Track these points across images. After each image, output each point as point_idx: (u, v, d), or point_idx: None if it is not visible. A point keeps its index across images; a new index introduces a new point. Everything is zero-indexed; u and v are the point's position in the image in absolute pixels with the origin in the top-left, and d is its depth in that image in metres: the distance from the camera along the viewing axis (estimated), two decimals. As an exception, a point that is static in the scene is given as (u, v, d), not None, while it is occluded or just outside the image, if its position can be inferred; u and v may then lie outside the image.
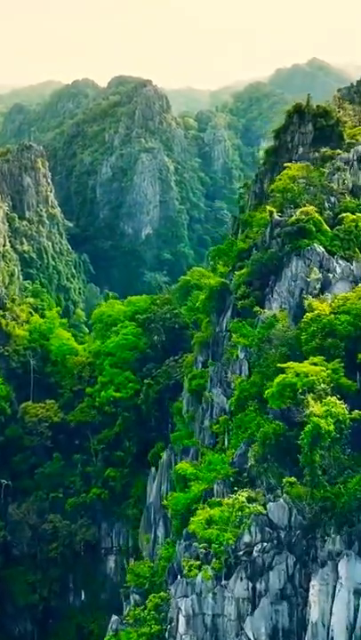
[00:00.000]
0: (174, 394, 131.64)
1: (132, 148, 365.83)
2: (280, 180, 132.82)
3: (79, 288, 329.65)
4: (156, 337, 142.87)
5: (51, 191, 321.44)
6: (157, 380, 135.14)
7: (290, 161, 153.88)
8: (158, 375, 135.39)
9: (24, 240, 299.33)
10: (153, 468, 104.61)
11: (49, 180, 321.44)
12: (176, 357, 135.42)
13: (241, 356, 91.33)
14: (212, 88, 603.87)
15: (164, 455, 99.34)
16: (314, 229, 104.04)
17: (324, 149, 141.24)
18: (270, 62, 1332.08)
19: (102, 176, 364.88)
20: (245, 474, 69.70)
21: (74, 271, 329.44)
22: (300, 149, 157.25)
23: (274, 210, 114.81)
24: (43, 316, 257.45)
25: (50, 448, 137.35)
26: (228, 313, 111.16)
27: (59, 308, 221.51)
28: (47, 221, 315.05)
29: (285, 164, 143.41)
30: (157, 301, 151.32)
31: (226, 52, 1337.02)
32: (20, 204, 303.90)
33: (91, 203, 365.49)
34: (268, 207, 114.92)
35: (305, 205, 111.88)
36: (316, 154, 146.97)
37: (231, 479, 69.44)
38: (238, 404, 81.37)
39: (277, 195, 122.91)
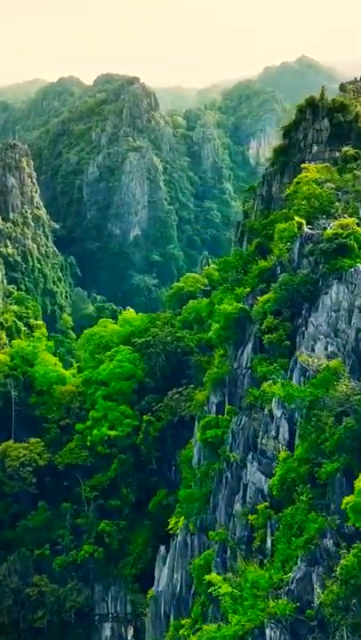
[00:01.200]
0: (179, 432, 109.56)
1: (119, 146, 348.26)
2: (300, 183, 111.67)
3: (66, 292, 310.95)
4: (155, 363, 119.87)
5: (36, 191, 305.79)
6: (159, 416, 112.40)
7: (302, 161, 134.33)
8: (160, 410, 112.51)
9: (8, 242, 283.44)
10: (162, 548, 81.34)
11: (34, 180, 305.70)
12: (180, 389, 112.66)
13: (277, 413, 68.48)
14: (199, 87, 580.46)
15: (179, 535, 76.20)
16: (356, 246, 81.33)
17: (345, 148, 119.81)
18: (258, 61, 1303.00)
19: (89, 176, 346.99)
20: (310, 610, 46.48)
21: (60, 274, 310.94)
22: (315, 148, 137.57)
23: (303, 221, 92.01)
24: (28, 325, 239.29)
25: (34, 495, 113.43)
26: (249, 346, 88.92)
27: (43, 327, 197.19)
28: (32, 223, 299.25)
29: (302, 166, 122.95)
30: (157, 322, 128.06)
31: (212, 51, 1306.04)
32: (5, 205, 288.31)
33: (77, 203, 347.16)
34: (296, 218, 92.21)
35: (341, 216, 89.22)
36: (337, 153, 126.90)
37: (289, 617, 46.12)
38: (283, 489, 58.39)
39: (302, 202, 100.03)
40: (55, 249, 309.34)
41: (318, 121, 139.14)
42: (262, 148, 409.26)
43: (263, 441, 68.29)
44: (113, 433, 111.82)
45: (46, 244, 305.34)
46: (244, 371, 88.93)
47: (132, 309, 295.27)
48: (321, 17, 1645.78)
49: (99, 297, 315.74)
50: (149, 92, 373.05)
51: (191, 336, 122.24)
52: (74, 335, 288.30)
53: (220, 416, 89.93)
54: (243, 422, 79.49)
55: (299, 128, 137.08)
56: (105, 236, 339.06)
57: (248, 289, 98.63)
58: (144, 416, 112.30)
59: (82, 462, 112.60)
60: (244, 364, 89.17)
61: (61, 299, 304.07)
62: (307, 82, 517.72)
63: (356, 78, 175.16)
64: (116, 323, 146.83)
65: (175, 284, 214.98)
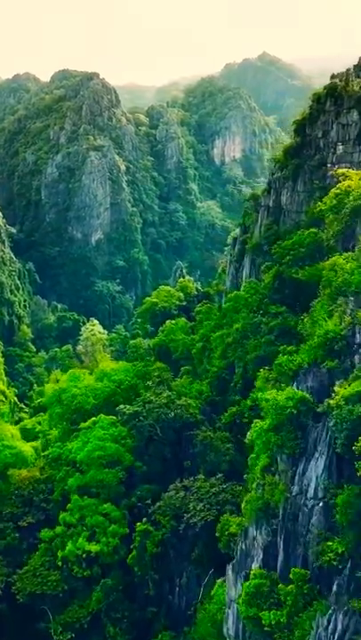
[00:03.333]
0: (185, 544, 74.08)
1: (79, 145, 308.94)
2: (340, 195, 79.60)
3: (24, 301, 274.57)
4: (148, 441, 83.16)
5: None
6: (157, 520, 75.70)
7: (323, 164, 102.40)
8: (158, 512, 75.74)
9: None
10: None
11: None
12: (184, 481, 76.54)
13: None
14: (158, 85, 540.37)
15: None
16: None
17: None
18: (214, 60, 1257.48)
19: (48, 176, 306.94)
20: None
21: (18, 282, 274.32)
22: (340, 147, 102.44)
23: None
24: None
25: (-16, 636, 76.29)
26: (320, 463, 53.63)
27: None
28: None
29: (336, 171, 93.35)
30: (149, 380, 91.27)
31: (168, 50, 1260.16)
32: None
33: (35, 206, 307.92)
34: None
35: None
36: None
37: None
38: None
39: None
40: (12, 255, 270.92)
41: (344, 114, 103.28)
42: (227, 147, 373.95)
43: None
44: (94, 548, 74.67)
45: (2, 250, 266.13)
46: (313, 502, 53.01)
47: (96, 321, 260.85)
48: (279, 15, 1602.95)
49: (60, 305, 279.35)
50: (110, 89, 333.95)
51: (186, 388, 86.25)
52: (33, 348, 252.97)
53: (273, 575, 53.95)
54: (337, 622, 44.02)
55: (316, 122, 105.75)
56: (65, 240, 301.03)
57: (300, 358, 62.84)
58: (137, 524, 75.30)
59: (50, 590, 75.11)
60: (312, 490, 53.02)
61: (19, 308, 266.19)
62: (269, 79, 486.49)
63: (348, 69, 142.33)
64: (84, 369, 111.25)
65: (148, 298, 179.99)
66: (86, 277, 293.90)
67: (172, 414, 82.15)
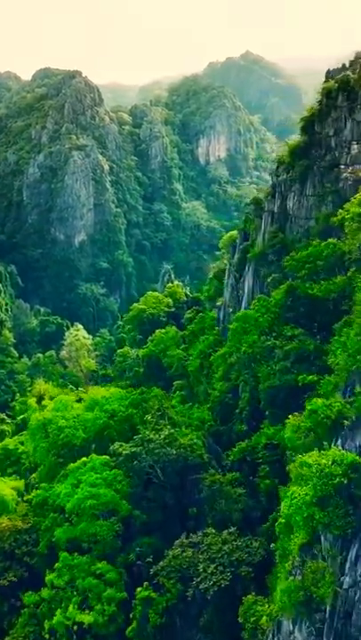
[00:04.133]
0: (194, 610, 62.19)
1: (61, 145, 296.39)
2: None
3: (6, 304, 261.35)
4: (148, 485, 70.54)
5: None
6: (160, 585, 63.28)
7: (335, 165, 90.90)
8: (162, 574, 63.18)
9: None
10: None
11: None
12: (191, 537, 64.17)
13: None
14: (140, 84, 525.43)
15: None
16: None
17: None
18: (197, 59, 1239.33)
19: (29, 177, 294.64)
20: None
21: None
22: (355, 147, 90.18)
23: None
24: None
25: None
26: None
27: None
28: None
29: (346, 173, 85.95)
30: (146, 413, 78.50)
31: (148, 49, 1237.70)
32: None
33: (17, 207, 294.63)
34: None
35: None
36: None
37: None
38: None
39: None
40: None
41: (358, 109, 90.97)
42: (212, 147, 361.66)
43: None
44: (87, 619, 62.03)
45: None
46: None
47: (80, 325, 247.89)
48: (263, 15, 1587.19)
49: (42, 309, 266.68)
50: (92, 87, 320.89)
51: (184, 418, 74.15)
52: (16, 353, 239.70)
53: None
54: None
55: (327, 119, 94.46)
56: (48, 241, 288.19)
57: (340, 404, 50.80)
58: (138, 589, 62.83)
59: (36, 668, 62.39)
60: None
61: (1, 312, 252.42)
62: (253, 77, 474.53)
63: (343, 65, 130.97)
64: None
65: (135, 304, 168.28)
66: (70, 280, 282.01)
67: (175, 453, 69.57)
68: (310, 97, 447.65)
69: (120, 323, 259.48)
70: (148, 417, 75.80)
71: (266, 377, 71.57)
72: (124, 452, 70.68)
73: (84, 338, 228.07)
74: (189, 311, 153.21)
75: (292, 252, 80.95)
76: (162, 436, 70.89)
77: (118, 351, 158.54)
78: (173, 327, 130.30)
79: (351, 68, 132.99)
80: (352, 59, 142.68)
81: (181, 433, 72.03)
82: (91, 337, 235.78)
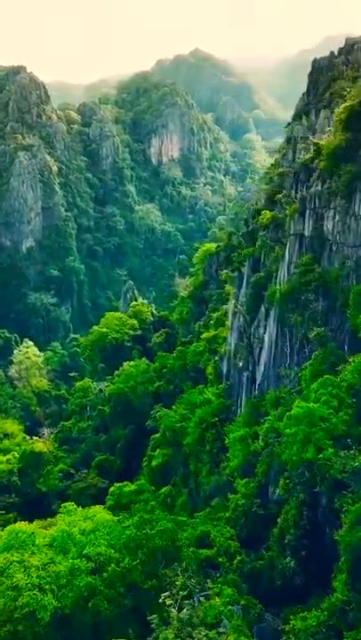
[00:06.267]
0: None
1: (6, 145, 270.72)
2: None
3: None
4: None
5: None
6: None
7: None
8: None
9: None
10: None
11: None
12: None
13: None
14: (85, 82, 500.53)
15: None
16: None
17: None
18: (143, 57, 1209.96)
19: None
20: None
21: None
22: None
23: None
24: None
25: None
26: None
27: None
28: None
29: None
30: (165, 599, 53.19)
31: (94, 47, 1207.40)
32: None
33: None
34: None
35: None
36: None
37: None
38: None
39: None
40: None
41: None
42: (165, 146, 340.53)
43: None
44: None
45: None
46: None
47: (30, 342, 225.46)
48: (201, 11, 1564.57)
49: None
50: (39, 84, 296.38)
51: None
52: None
53: None
54: None
55: None
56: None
57: None
58: None
59: None
60: None
61: None
62: (203, 75, 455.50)
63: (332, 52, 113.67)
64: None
65: (95, 327, 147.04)
66: (17, 289, 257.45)
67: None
68: (261, 96, 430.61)
69: (73, 336, 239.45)
70: (165, 597, 50.06)
71: (355, 521, 48.62)
72: None
73: (35, 355, 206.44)
74: (158, 334, 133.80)
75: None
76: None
77: (77, 384, 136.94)
78: (144, 360, 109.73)
79: (343, 56, 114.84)
80: (341, 46, 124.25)
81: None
82: (42, 355, 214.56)
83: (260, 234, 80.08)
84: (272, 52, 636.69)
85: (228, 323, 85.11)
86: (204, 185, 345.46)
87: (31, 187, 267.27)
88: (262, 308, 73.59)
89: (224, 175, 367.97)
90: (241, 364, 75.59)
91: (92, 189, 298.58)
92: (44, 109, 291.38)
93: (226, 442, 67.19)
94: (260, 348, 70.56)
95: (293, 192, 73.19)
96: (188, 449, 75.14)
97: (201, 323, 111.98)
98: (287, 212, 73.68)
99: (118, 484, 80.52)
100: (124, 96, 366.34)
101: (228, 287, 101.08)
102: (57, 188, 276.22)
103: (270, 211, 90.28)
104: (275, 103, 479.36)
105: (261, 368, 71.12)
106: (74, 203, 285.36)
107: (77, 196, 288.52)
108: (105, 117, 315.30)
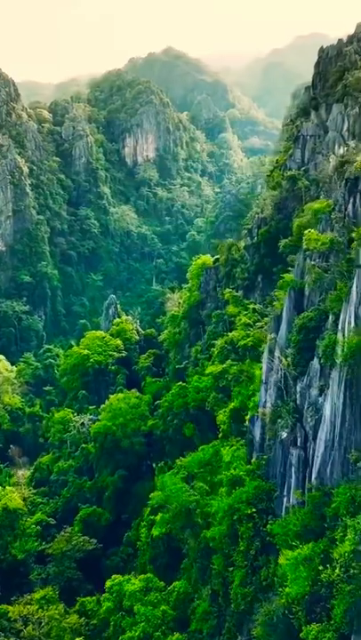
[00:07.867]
0: None
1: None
2: None
3: None
4: None
5: None
6: None
7: None
8: None
9: None
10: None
11: None
12: None
13: None
14: (55, 81, 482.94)
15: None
16: None
17: None
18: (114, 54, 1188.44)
19: None
20: None
21: None
22: None
23: None
24: None
25: None
26: None
27: None
28: None
29: None
30: None
31: (63, 45, 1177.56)
32: None
33: None
34: None
35: None
36: None
37: None
38: None
39: None
40: None
41: None
42: (140, 146, 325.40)
43: None
44: None
45: None
46: None
47: (2, 356, 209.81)
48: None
49: None
50: (8, 81, 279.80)
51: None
52: None
53: None
54: None
55: None
56: None
57: None
58: None
59: None
60: None
61: None
62: (176, 73, 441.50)
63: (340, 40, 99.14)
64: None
65: (76, 348, 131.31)
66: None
67: None
68: (236, 94, 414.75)
69: (46, 346, 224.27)
70: None
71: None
72: None
73: (7, 370, 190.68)
74: (145, 356, 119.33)
75: None
76: None
77: (56, 416, 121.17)
78: (134, 392, 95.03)
79: (355, 44, 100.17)
80: (351, 32, 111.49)
81: None
82: (13, 367, 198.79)
83: (311, 262, 60.51)
84: (245, 50, 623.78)
85: (262, 374, 65.89)
86: (181, 186, 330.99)
87: (1, 189, 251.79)
88: (315, 363, 56.42)
89: (201, 176, 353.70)
90: (285, 434, 58.00)
91: (64, 191, 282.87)
92: (13, 107, 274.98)
93: (280, 562, 49.64)
94: (317, 420, 53.86)
95: (351, 206, 57.31)
96: (213, 544, 58.87)
97: (198, 347, 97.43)
98: (353, 234, 55.96)
99: (118, 578, 65.41)
100: (97, 94, 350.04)
101: (231, 308, 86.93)
102: (28, 189, 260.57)
103: (279, 220, 75.93)
104: (250, 102, 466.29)
105: (320, 447, 53.68)
106: (46, 205, 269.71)
107: (50, 197, 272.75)
108: (78, 116, 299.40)
